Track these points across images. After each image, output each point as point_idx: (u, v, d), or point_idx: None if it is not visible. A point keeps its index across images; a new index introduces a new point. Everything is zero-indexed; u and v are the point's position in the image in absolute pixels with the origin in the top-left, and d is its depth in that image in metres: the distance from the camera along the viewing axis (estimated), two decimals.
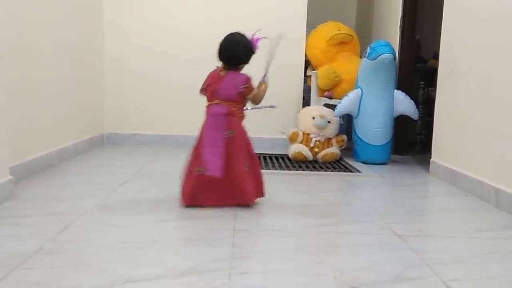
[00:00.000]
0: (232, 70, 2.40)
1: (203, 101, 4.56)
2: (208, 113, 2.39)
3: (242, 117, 2.42)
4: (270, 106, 3.14)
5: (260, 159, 3.83)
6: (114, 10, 4.35)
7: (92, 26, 4.12)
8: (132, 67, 4.40)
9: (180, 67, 4.41)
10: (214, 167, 2.26)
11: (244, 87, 2.35)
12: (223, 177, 2.26)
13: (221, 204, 2.29)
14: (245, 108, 2.47)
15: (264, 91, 2.42)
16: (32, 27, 2.91)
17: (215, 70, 2.45)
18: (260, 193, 2.41)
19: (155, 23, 4.38)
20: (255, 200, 2.38)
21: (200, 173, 2.28)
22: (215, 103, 2.36)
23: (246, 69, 2.46)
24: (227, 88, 2.35)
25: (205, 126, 2.38)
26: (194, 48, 4.38)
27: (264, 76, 2.44)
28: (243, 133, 2.40)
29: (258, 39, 2.39)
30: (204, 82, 2.44)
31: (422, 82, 4.46)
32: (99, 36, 4.28)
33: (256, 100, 2.41)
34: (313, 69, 4.50)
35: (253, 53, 2.40)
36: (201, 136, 2.38)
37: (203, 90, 2.44)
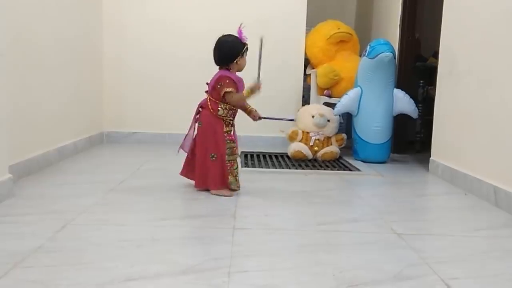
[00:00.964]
0: (222, 68, 2.62)
1: (202, 99, 4.58)
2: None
3: (215, 112, 2.58)
4: (290, 119, 3.31)
5: (259, 157, 3.84)
6: (113, 8, 4.34)
7: (92, 24, 4.12)
8: (131, 66, 4.40)
9: (180, 66, 4.41)
10: (183, 145, 2.73)
11: (219, 85, 2.55)
12: (196, 161, 2.62)
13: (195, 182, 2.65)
14: (262, 116, 2.78)
15: (243, 99, 2.60)
16: (31, 25, 2.90)
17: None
18: (225, 184, 2.56)
19: (154, 21, 4.38)
20: (222, 190, 2.55)
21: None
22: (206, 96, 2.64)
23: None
24: (210, 84, 2.61)
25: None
26: (194, 46, 4.38)
27: (257, 78, 2.56)
28: (212, 126, 2.58)
29: (240, 31, 2.60)
30: None
31: (421, 81, 4.46)
32: (98, 35, 4.28)
33: (233, 103, 2.58)
34: (313, 68, 4.50)
35: (238, 50, 2.59)
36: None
37: None
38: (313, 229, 2.08)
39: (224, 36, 2.64)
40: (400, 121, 4.02)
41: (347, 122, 4.36)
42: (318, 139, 3.79)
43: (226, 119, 2.60)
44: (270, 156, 3.92)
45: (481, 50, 2.84)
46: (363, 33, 4.92)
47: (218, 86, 2.55)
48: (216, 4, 4.41)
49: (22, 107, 2.79)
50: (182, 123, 4.41)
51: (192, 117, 2.69)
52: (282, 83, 4.43)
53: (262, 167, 3.46)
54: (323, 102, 4.21)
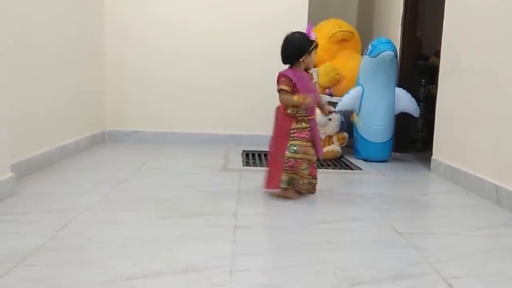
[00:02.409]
0: (290, 68, 2.56)
1: (204, 98, 4.59)
2: None
3: (285, 110, 2.51)
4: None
5: (261, 156, 3.84)
6: (115, 7, 4.34)
7: (93, 23, 4.12)
8: (133, 64, 4.40)
9: (181, 64, 4.41)
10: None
11: (277, 83, 2.51)
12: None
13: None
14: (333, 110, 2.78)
15: (291, 103, 2.48)
16: (32, 24, 2.91)
17: None
18: (276, 183, 2.48)
19: (156, 20, 4.38)
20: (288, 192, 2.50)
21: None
22: None
23: None
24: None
25: None
26: (195, 45, 4.39)
27: (327, 104, 2.75)
28: (282, 125, 2.52)
29: (308, 28, 2.52)
30: None
31: (423, 80, 4.45)
32: (100, 33, 4.28)
33: (281, 103, 2.53)
34: (314, 67, 4.49)
35: (305, 47, 2.50)
36: None
37: None
38: (314, 227, 2.08)
39: (291, 33, 2.55)
40: (401, 120, 4.02)
41: (348, 121, 4.36)
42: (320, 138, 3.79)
43: (299, 115, 2.50)
44: None
45: (483, 48, 2.84)
46: (364, 32, 4.91)
47: (277, 86, 2.52)
48: (218, 3, 4.41)
49: (24, 106, 2.79)
50: (184, 121, 4.47)
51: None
52: None
53: (263, 166, 3.45)
54: (324, 101, 4.21)
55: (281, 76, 2.50)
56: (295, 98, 2.44)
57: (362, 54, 4.10)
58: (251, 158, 3.76)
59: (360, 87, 3.81)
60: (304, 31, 2.52)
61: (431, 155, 3.51)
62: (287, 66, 2.56)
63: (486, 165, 2.73)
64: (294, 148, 2.46)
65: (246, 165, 3.44)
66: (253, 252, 1.75)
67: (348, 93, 3.85)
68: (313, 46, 2.51)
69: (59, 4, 3.32)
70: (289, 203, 2.45)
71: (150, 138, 4.40)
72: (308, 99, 2.43)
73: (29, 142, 2.86)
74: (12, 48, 2.54)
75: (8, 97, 2.38)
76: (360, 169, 3.48)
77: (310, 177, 2.52)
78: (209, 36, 4.41)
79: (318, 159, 2.59)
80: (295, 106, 2.48)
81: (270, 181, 2.50)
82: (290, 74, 2.49)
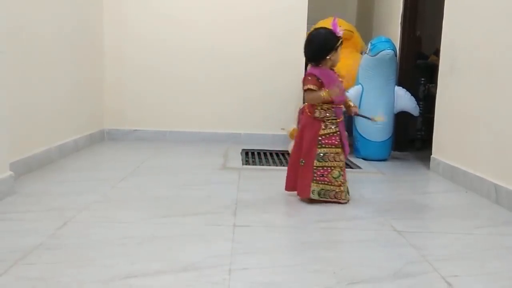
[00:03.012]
0: (312, 65, 2.43)
1: (203, 97, 4.59)
2: None
3: (312, 114, 2.39)
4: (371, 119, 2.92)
5: (260, 155, 3.84)
6: (114, 2, 4.33)
7: (92, 20, 4.11)
8: (132, 63, 4.39)
9: (181, 63, 4.41)
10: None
11: (303, 84, 2.40)
12: (288, 164, 2.52)
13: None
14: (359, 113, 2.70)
15: (319, 99, 2.37)
16: (31, 21, 2.90)
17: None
18: (306, 193, 2.38)
19: (155, 17, 4.37)
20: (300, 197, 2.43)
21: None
22: None
23: None
24: None
25: None
26: (195, 44, 4.39)
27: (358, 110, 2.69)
28: (306, 131, 2.40)
29: (334, 24, 2.39)
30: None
31: (423, 79, 4.45)
32: (99, 31, 4.27)
33: (309, 102, 2.42)
34: None
35: (331, 44, 2.37)
36: None
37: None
38: (314, 226, 2.08)
39: (316, 29, 2.43)
40: (401, 119, 4.02)
41: (348, 119, 4.35)
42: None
43: (327, 119, 2.38)
44: (271, 154, 3.92)
45: (483, 47, 2.84)
46: (364, 31, 4.91)
47: (303, 86, 2.39)
48: (218, 0, 4.40)
49: (23, 105, 2.79)
50: (183, 120, 4.47)
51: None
52: (282, 80, 4.43)
53: (263, 165, 3.46)
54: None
55: (307, 75, 2.38)
56: (323, 93, 2.34)
57: (361, 53, 4.09)
58: (251, 156, 3.76)
59: (359, 86, 3.81)
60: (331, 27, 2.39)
61: (431, 154, 3.51)
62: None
63: (486, 164, 2.73)
64: (322, 155, 2.36)
65: (246, 164, 3.44)
66: (253, 251, 1.75)
67: (347, 92, 3.84)
68: (339, 42, 2.38)
69: (58, 2, 3.31)
70: (288, 202, 2.45)
71: (149, 136, 4.40)
72: (336, 90, 2.35)
73: (28, 141, 2.86)
74: (11, 46, 2.53)
75: (7, 96, 2.37)
76: (360, 167, 3.48)
77: (341, 185, 2.40)
78: (209, 35, 4.41)
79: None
80: (325, 103, 2.36)
81: (303, 190, 2.38)
82: (317, 73, 2.37)
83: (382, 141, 3.79)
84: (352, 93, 3.81)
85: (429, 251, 1.81)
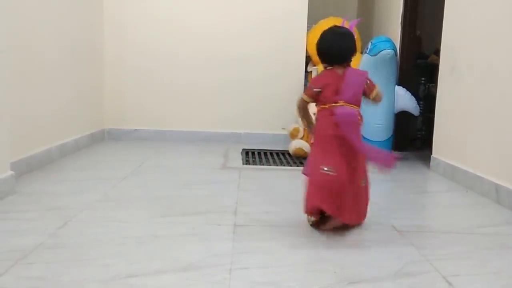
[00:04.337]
0: (346, 66, 2.06)
1: (204, 96, 4.58)
2: (334, 116, 1.94)
3: (361, 124, 2.03)
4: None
5: (260, 155, 3.84)
6: (114, 5, 4.34)
7: (92, 21, 4.11)
8: (132, 63, 4.39)
9: (181, 63, 4.41)
10: (340, 171, 1.92)
11: (367, 82, 2.04)
12: (349, 188, 1.94)
13: (343, 219, 1.97)
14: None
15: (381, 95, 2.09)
16: (32, 22, 2.90)
17: (328, 70, 2.06)
18: (363, 215, 2.08)
19: (155, 19, 4.37)
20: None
21: (328, 173, 1.92)
22: (340, 105, 1.94)
23: None
24: (352, 86, 1.98)
25: (328, 130, 1.97)
26: (194, 44, 4.39)
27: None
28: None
29: (353, 24, 2.13)
30: (314, 85, 2.04)
31: (423, 78, 4.45)
32: (99, 32, 4.27)
33: (378, 99, 2.08)
34: (314, 65, 4.49)
35: (355, 47, 2.11)
36: (329, 143, 1.97)
37: (313, 94, 2.02)
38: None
39: (338, 26, 2.10)
40: (401, 119, 4.01)
41: None
42: None
43: None
44: (272, 153, 3.92)
45: (483, 47, 2.84)
46: (364, 30, 4.91)
47: (367, 84, 2.04)
48: (217, 3, 4.40)
49: (24, 104, 2.79)
50: (183, 120, 4.47)
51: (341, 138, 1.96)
52: (283, 80, 4.43)
53: (263, 164, 3.46)
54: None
55: (368, 75, 2.07)
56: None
57: (361, 53, 4.09)
58: (251, 156, 3.76)
59: None
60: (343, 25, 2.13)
61: (431, 153, 3.51)
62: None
63: (486, 164, 2.73)
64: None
65: (246, 164, 3.44)
66: (253, 250, 1.75)
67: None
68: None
69: (59, 3, 3.32)
70: (289, 202, 2.44)
71: (149, 136, 4.40)
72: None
73: (29, 140, 2.86)
74: (12, 46, 2.53)
75: (8, 95, 2.37)
76: None
77: None
78: (209, 35, 4.41)
79: None
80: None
81: (362, 216, 2.05)
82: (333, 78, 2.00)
83: (382, 141, 3.78)
84: None
85: (430, 250, 1.81)
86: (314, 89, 2.01)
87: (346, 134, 1.92)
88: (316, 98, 2.02)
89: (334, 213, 1.93)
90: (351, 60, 2.08)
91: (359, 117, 1.99)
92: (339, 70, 2.02)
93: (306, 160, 2.16)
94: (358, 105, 2.01)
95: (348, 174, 1.93)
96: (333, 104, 1.96)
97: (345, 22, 2.14)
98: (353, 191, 1.96)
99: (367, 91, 2.04)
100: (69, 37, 3.51)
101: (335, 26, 2.10)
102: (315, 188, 1.95)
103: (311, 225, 2.04)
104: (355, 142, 1.92)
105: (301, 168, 3.35)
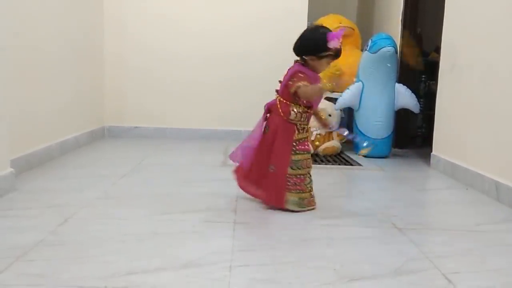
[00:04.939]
0: (297, 62, 2.26)
1: (203, 94, 4.58)
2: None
3: (286, 117, 2.19)
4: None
5: None
6: (114, 4, 4.33)
7: (92, 19, 4.11)
8: (132, 61, 4.39)
9: (180, 61, 4.40)
10: (233, 155, 2.35)
11: (291, 81, 2.16)
12: (255, 171, 2.26)
13: (255, 195, 2.31)
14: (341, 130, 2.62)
15: (315, 93, 2.19)
16: (32, 20, 2.90)
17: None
18: (279, 202, 2.20)
19: (155, 18, 4.36)
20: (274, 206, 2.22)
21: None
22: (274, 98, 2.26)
23: None
24: (283, 81, 2.23)
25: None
26: (194, 43, 4.38)
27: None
28: (280, 134, 2.19)
29: (336, 34, 2.15)
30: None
31: (423, 76, 4.45)
32: (99, 30, 4.27)
33: (306, 97, 2.16)
34: None
35: (322, 47, 2.14)
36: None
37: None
38: (314, 223, 2.08)
39: (319, 25, 2.27)
40: (401, 116, 4.02)
41: (348, 116, 4.36)
42: (319, 134, 3.79)
43: (300, 124, 2.21)
44: None
45: (483, 44, 2.83)
46: (364, 28, 4.91)
47: (290, 82, 2.16)
48: (217, 1, 4.39)
49: (24, 102, 2.79)
50: (183, 117, 4.47)
51: (258, 122, 2.28)
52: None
53: None
54: (324, 96, 4.20)
55: (298, 72, 2.17)
56: (327, 85, 2.22)
57: (362, 50, 4.09)
58: None
59: (360, 83, 3.81)
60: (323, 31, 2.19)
61: (431, 151, 3.51)
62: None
63: (486, 161, 2.73)
64: (298, 163, 2.19)
65: None
66: (253, 248, 1.75)
67: (348, 89, 3.85)
68: (325, 52, 2.15)
69: (59, 2, 3.31)
70: None
71: (149, 134, 4.40)
72: (323, 86, 2.18)
73: (29, 138, 2.86)
74: (12, 43, 2.53)
75: (8, 93, 2.37)
76: (360, 165, 3.48)
77: (311, 191, 2.26)
78: (209, 34, 4.41)
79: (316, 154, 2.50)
80: (303, 106, 2.19)
81: (276, 199, 2.20)
82: (306, 71, 2.18)
83: (383, 138, 3.79)
84: (352, 90, 3.81)
85: (430, 248, 1.81)
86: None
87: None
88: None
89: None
90: (300, 57, 2.25)
91: (271, 106, 2.25)
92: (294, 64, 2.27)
93: None
94: (288, 99, 2.20)
95: (258, 161, 2.24)
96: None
97: (340, 26, 2.27)
98: (261, 174, 2.24)
99: (291, 86, 2.17)
100: (70, 36, 3.50)
101: (319, 25, 2.28)
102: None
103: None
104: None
105: None
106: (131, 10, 4.36)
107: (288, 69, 2.25)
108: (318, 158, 3.69)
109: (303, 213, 2.20)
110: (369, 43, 3.79)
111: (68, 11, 3.48)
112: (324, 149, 3.76)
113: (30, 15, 2.86)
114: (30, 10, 2.86)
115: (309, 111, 2.23)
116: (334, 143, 3.80)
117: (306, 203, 2.22)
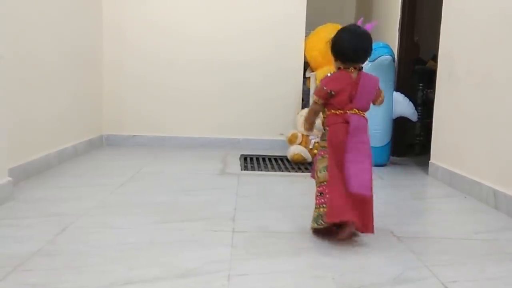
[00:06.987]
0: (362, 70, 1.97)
1: (202, 102, 4.58)
2: (347, 123, 1.91)
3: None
4: None
5: (259, 160, 3.84)
6: (113, 11, 4.34)
7: (91, 27, 4.12)
8: (131, 69, 4.40)
9: (179, 69, 4.41)
10: (362, 184, 1.92)
11: (377, 90, 1.99)
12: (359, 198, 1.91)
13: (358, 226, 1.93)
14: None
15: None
16: (31, 29, 2.91)
17: (342, 72, 1.95)
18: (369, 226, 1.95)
19: (154, 25, 4.38)
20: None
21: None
22: (352, 113, 1.91)
23: None
24: (365, 93, 1.93)
25: (341, 138, 1.92)
26: (193, 50, 4.39)
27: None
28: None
29: (371, 25, 2.01)
30: (328, 86, 1.92)
31: (421, 84, 4.46)
32: (98, 38, 4.28)
33: (380, 104, 2.06)
34: (312, 71, 4.50)
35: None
36: (342, 149, 1.91)
37: (326, 95, 1.92)
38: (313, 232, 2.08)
39: (354, 25, 2.02)
40: (399, 124, 4.02)
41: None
42: (317, 142, 3.79)
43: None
44: (270, 159, 3.92)
45: (480, 52, 2.85)
46: None
47: (377, 91, 2.00)
48: (216, 8, 4.42)
49: (22, 110, 2.79)
50: (182, 126, 4.47)
51: (354, 145, 1.94)
52: (281, 86, 4.43)
53: (261, 170, 3.46)
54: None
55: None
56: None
57: None
58: (249, 162, 3.76)
59: None
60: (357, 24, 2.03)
61: (429, 159, 3.52)
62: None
63: (484, 169, 2.73)
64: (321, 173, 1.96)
65: (244, 169, 3.44)
66: (252, 257, 1.74)
67: None
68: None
69: (58, 9, 3.32)
70: (287, 208, 2.44)
71: (148, 142, 4.40)
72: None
73: (27, 147, 2.85)
74: (11, 52, 2.54)
75: (6, 101, 2.37)
76: None
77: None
78: (208, 41, 4.42)
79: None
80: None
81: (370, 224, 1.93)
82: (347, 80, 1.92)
83: (381, 146, 3.79)
84: None
85: (428, 256, 1.81)
86: (329, 91, 1.90)
87: (355, 141, 1.90)
88: (327, 101, 1.93)
89: (357, 221, 1.89)
90: (364, 63, 1.99)
91: (367, 124, 1.99)
92: (353, 73, 1.93)
93: (312, 165, 2.12)
94: (366, 111, 1.99)
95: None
96: (347, 111, 1.91)
97: (361, 21, 2.04)
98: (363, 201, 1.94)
99: (375, 98, 2.01)
100: (68, 43, 3.51)
101: (354, 25, 2.01)
102: (340, 195, 1.88)
103: (314, 231, 2.00)
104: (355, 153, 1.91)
105: (300, 174, 3.37)
106: (130, 18, 4.37)
107: (362, 76, 1.94)
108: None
109: (301, 222, 2.19)
110: None
111: (67, 18, 3.49)
112: None
113: (28, 23, 2.87)
114: (28, 18, 2.87)
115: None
116: None
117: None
